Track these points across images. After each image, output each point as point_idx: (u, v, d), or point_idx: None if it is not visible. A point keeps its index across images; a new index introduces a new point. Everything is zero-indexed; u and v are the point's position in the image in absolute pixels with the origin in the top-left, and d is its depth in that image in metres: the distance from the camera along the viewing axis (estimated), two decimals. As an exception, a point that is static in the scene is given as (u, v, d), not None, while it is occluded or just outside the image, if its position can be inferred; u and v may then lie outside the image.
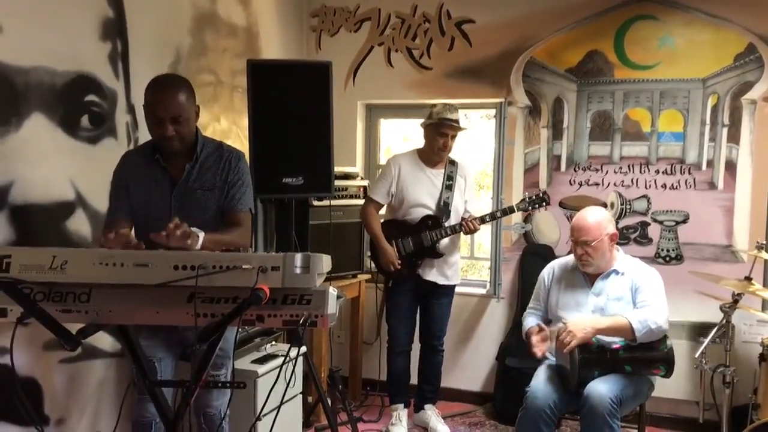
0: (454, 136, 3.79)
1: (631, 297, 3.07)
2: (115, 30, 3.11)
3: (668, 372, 2.95)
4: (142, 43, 3.25)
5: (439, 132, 3.73)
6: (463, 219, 3.77)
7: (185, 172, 2.56)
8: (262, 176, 3.48)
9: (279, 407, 2.25)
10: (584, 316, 3.05)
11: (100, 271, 1.89)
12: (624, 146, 4.21)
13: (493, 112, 4.59)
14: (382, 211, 4.00)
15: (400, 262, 3.79)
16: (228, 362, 2.67)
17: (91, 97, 2.99)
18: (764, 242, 3.60)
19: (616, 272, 3.13)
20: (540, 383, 2.99)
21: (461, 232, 3.79)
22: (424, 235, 3.76)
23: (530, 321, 3.29)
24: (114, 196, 2.60)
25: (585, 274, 3.17)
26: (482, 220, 3.78)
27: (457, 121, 3.76)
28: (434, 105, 3.80)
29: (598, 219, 3.10)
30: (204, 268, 1.85)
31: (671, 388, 3.93)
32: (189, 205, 2.56)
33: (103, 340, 3.08)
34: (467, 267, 6.43)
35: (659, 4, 4.05)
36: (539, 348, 3.07)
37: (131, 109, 3.19)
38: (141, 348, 2.23)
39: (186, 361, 2.69)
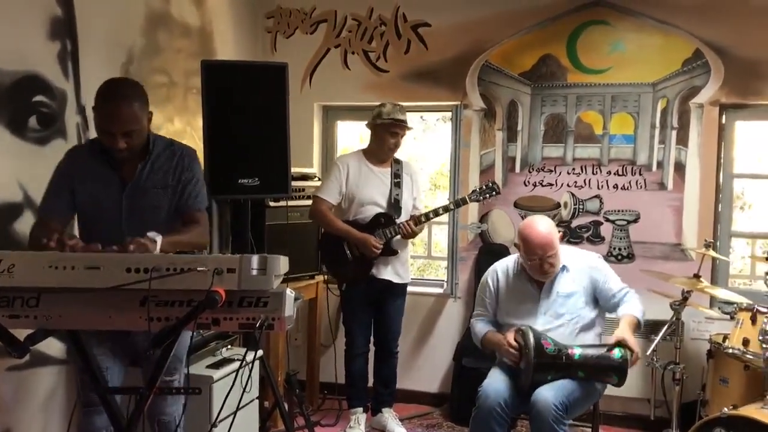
0: (403, 136, 3.85)
1: (588, 293, 3.12)
2: (65, 29, 3.04)
3: (620, 381, 2.96)
4: (93, 43, 3.19)
5: (391, 132, 3.78)
6: (401, 223, 3.76)
7: (137, 171, 2.51)
8: (218, 177, 3.44)
9: (235, 413, 2.23)
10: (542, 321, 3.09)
11: (50, 274, 1.84)
12: (577, 148, 4.28)
13: (449, 114, 4.62)
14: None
15: (380, 243, 3.72)
16: (181, 366, 2.63)
17: (39, 98, 2.92)
18: (712, 240, 3.72)
19: (564, 268, 3.16)
20: (492, 382, 3.01)
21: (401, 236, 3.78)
22: (378, 233, 3.75)
23: (482, 326, 3.25)
24: (53, 192, 2.51)
25: (530, 278, 3.18)
26: (463, 201, 3.86)
27: (406, 122, 3.83)
28: (383, 104, 3.82)
29: (549, 229, 3.08)
30: (157, 270, 1.82)
31: (624, 386, 4.01)
32: (141, 205, 2.51)
33: (53, 347, 3.00)
34: (424, 266, 6.48)
35: (611, 10, 4.14)
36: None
37: (81, 110, 3.12)
38: (93, 353, 2.18)
39: (135, 367, 2.64)
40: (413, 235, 3.82)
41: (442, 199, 5.04)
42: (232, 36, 4.46)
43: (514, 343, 2.98)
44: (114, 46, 3.38)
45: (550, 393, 2.84)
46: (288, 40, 4.73)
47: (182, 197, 2.57)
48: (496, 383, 2.99)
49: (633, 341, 2.94)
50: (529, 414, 2.89)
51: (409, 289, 4.05)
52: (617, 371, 2.94)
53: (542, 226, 3.10)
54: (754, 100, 3.98)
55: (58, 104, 3.01)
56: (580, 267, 3.16)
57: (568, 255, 3.20)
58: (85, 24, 3.13)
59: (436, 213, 3.83)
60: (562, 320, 3.08)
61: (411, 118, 3.96)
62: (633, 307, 3.09)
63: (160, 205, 2.54)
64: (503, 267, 3.32)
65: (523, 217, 4.30)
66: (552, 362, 2.91)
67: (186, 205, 2.58)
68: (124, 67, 3.43)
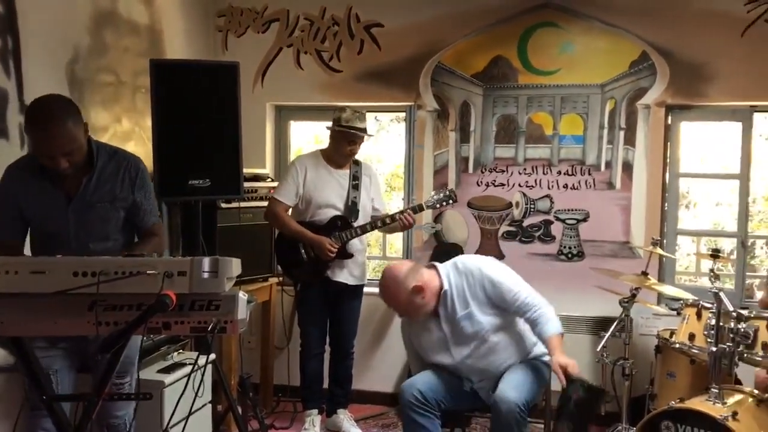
0: (361, 143, 3.83)
1: (486, 302, 2.97)
2: (5, 25, 2.94)
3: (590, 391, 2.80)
4: (37, 41, 3.09)
5: (348, 140, 3.75)
6: (399, 214, 3.73)
7: (82, 186, 2.47)
8: (168, 178, 3.39)
9: (187, 418, 2.19)
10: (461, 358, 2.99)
11: (-9, 280, 1.78)
12: (528, 149, 4.34)
13: (403, 115, 4.63)
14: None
15: (336, 246, 3.69)
16: (132, 369, 2.59)
17: (-22, 97, 2.82)
18: (659, 238, 3.82)
19: (446, 292, 3.00)
20: (412, 378, 3.01)
21: (398, 228, 3.81)
22: (334, 236, 3.73)
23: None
24: (1, 218, 2.47)
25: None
26: (420, 207, 3.79)
27: (366, 130, 3.80)
28: (343, 109, 3.77)
29: (392, 291, 2.96)
30: (106, 274, 1.77)
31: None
32: (89, 219, 2.48)
33: (-4, 354, 2.90)
34: (379, 267, 6.47)
35: (561, 12, 4.21)
36: None
37: (24, 109, 3.02)
38: (37, 360, 2.11)
39: (85, 372, 2.57)
40: (410, 224, 3.76)
41: (397, 200, 5.04)
42: (182, 35, 4.38)
43: None
44: (58, 43, 3.29)
45: (512, 393, 2.80)
46: (239, 39, 4.67)
47: (139, 215, 2.60)
48: (414, 378, 3.01)
49: (565, 360, 2.79)
50: (491, 414, 2.86)
51: (364, 289, 4.04)
52: (582, 390, 2.77)
53: (386, 282, 3.01)
54: (698, 101, 4.10)
55: (-1, 103, 2.92)
56: (464, 282, 3.01)
57: (447, 275, 3.04)
58: (27, 21, 3.03)
59: (393, 219, 3.81)
60: (474, 342, 2.98)
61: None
62: (549, 325, 2.89)
63: (108, 218, 2.52)
64: None
65: (476, 217, 4.37)
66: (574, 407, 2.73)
67: (143, 221, 2.62)
68: (69, 66, 3.34)
